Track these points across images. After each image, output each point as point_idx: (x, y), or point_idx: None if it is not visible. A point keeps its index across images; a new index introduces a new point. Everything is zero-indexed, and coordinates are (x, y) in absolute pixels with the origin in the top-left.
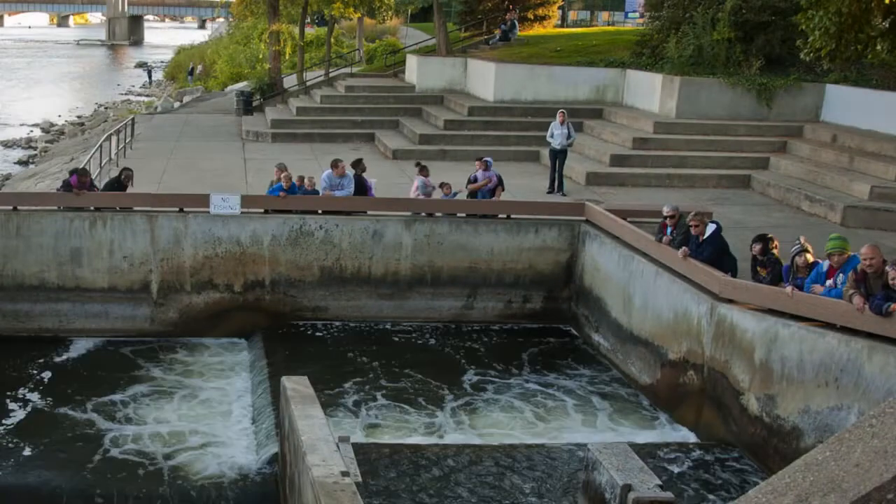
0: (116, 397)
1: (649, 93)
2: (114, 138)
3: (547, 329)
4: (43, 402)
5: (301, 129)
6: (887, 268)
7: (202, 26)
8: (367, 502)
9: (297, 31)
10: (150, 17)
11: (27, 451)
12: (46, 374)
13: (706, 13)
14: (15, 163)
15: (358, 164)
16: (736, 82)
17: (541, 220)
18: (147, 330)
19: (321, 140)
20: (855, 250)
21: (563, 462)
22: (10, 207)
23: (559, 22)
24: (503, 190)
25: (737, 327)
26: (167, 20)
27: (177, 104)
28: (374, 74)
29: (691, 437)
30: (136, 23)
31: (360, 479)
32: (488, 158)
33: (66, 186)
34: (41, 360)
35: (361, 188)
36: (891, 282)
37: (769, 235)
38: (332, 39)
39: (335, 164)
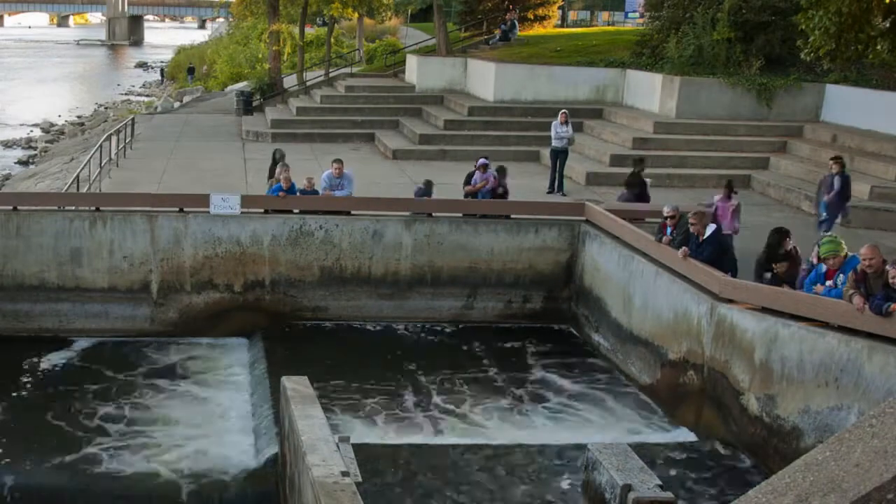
0: (116, 397)
1: (649, 93)
2: (114, 138)
3: (547, 329)
4: (43, 402)
5: (301, 129)
6: (887, 267)
7: (202, 26)
8: (367, 502)
9: (296, 31)
10: (150, 17)
11: (27, 451)
12: (46, 375)
13: (706, 13)
14: (15, 163)
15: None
16: (736, 82)
17: (541, 220)
18: (147, 330)
19: (321, 140)
20: (854, 250)
21: (563, 462)
22: (10, 207)
23: (559, 22)
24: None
25: (737, 327)
26: (167, 20)
27: (177, 104)
28: (374, 74)
29: (691, 437)
30: (136, 23)
31: (360, 479)
32: (485, 160)
33: None
34: (41, 360)
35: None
36: (891, 280)
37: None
38: (332, 39)
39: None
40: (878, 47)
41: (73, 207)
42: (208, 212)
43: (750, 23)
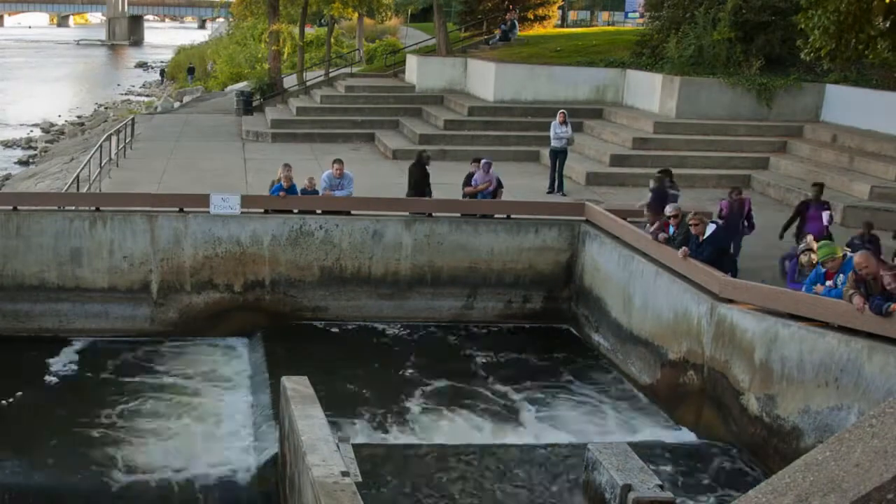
0: (116, 397)
1: (649, 93)
2: (114, 138)
3: (547, 329)
4: (42, 402)
5: (301, 129)
6: (882, 272)
7: (202, 26)
8: (367, 502)
9: (296, 31)
10: (150, 17)
11: (26, 451)
12: (46, 375)
13: (706, 13)
14: (15, 163)
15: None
16: (736, 82)
17: (541, 220)
18: (147, 330)
19: (321, 140)
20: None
21: (563, 462)
22: (10, 207)
23: (559, 22)
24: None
25: (737, 327)
26: (167, 20)
27: (177, 104)
28: (374, 74)
29: (691, 437)
30: (136, 23)
31: (360, 479)
32: (488, 160)
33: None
34: (41, 360)
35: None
36: (887, 286)
37: None
38: (332, 39)
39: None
40: (878, 47)
41: (73, 207)
42: (208, 212)
43: (750, 23)
